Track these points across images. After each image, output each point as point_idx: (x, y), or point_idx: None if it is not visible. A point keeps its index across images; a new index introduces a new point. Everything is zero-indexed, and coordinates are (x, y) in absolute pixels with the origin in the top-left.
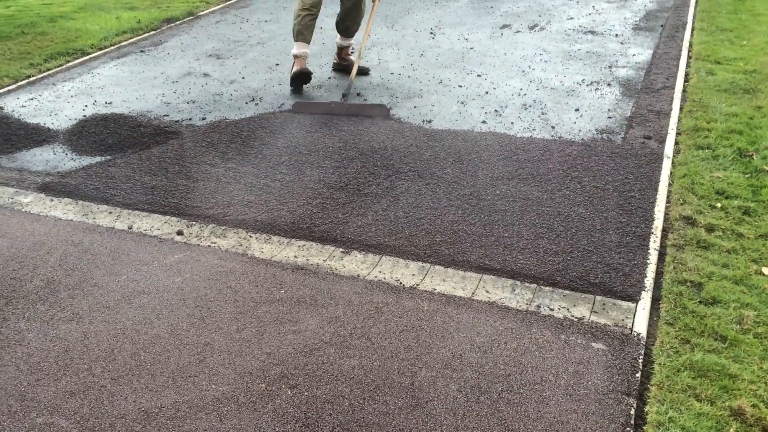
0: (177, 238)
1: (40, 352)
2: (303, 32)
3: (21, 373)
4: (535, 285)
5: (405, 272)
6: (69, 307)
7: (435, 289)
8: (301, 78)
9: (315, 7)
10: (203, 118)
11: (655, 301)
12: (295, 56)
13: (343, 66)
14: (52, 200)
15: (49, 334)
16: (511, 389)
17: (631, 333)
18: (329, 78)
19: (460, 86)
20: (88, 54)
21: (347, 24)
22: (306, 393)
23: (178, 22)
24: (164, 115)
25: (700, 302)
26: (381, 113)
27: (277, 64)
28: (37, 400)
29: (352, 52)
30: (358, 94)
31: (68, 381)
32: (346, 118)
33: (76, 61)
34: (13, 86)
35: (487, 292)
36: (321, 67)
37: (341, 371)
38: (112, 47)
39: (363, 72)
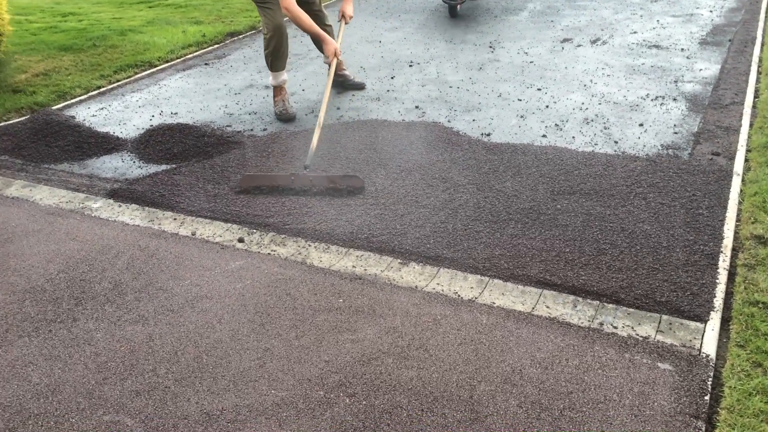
0: (238, 245)
1: (107, 351)
2: (274, 61)
3: (89, 371)
4: (598, 302)
5: (463, 285)
6: (135, 309)
7: (494, 303)
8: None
9: (277, 31)
10: (264, 129)
11: (725, 322)
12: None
13: (337, 82)
14: (120, 206)
15: (116, 334)
16: (573, 407)
17: (699, 354)
18: (388, 91)
19: (520, 100)
20: (156, 66)
21: (320, 46)
22: (364, 402)
23: (240, 36)
24: (227, 126)
25: None
26: (353, 185)
27: None
28: (104, 398)
29: (345, 69)
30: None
31: (134, 381)
32: (404, 129)
33: (144, 73)
34: (85, 96)
35: (547, 307)
36: (380, 81)
37: (399, 382)
38: (178, 60)
39: (358, 87)
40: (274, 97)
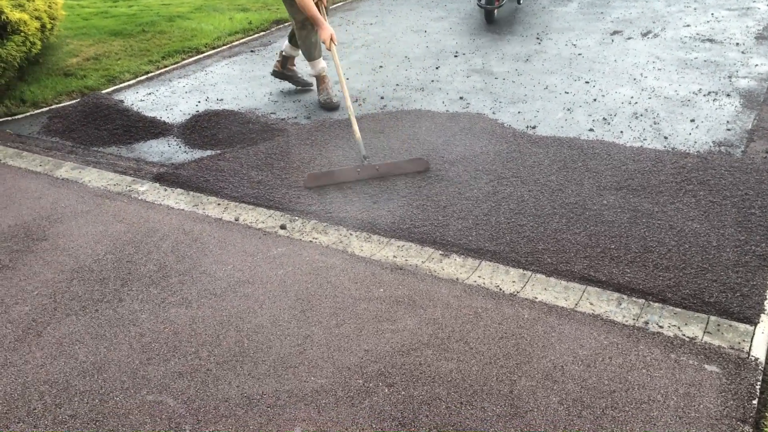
0: (280, 232)
1: (151, 333)
2: (310, 50)
3: (134, 351)
4: (644, 300)
5: (505, 278)
6: (179, 292)
7: (536, 298)
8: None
9: (308, 20)
10: (308, 117)
11: None
12: (315, 76)
13: (286, 76)
14: (165, 190)
15: (160, 316)
16: (615, 406)
17: (748, 357)
18: (432, 81)
19: (567, 93)
20: (202, 53)
21: (296, 40)
22: (403, 392)
23: (286, 24)
24: (271, 113)
25: None
26: (419, 167)
27: (380, 66)
28: (147, 378)
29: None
30: (363, 157)
31: (176, 362)
32: (447, 119)
33: (191, 59)
34: (133, 81)
35: (591, 304)
36: (425, 71)
37: (438, 373)
38: (225, 46)
39: (330, 107)
40: (318, 85)
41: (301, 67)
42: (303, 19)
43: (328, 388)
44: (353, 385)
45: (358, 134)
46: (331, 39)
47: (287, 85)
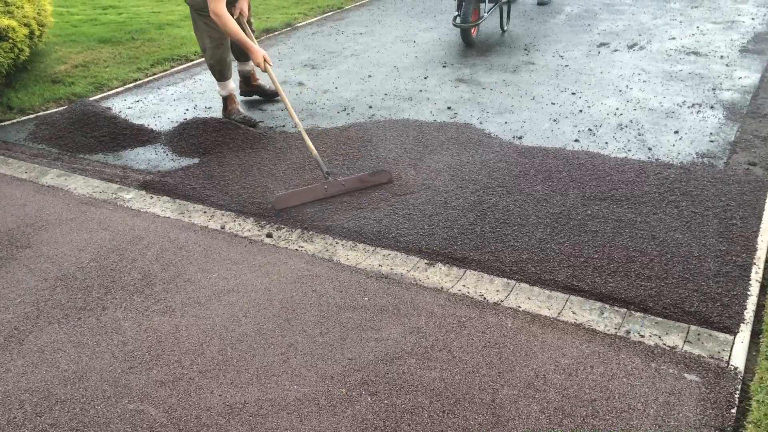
0: (266, 240)
1: (134, 341)
2: (224, 70)
3: (116, 360)
4: (625, 310)
5: (489, 287)
6: (163, 300)
7: (519, 307)
8: (249, 124)
9: (226, 39)
10: (295, 126)
11: (755, 335)
12: (225, 97)
13: (253, 91)
14: (152, 197)
15: (143, 324)
16: (596, 415)
17: (727, 366)
18: (420, 90)
19: (553, 104)
20: (191, 60)
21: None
22: (386, 401)
23: (276, 33)
24: (259, 122)
25: None
26: (383, 179)
27: (369, 76)
28: (129, 387)
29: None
30: (322, 171)
31: (159, 371)
32: (435, 129)
33: (180, 67)
34: (121, 89)
35: (573, 313)
36: (413, 80)
37: (422, 382)
38: None
39: (250, 123)
40: (228, 107)
41: (387, 67)
42: (219, 37)
43: (311, 397)
44: (336, 394)
45: (314, 151)
46: (265, 60)
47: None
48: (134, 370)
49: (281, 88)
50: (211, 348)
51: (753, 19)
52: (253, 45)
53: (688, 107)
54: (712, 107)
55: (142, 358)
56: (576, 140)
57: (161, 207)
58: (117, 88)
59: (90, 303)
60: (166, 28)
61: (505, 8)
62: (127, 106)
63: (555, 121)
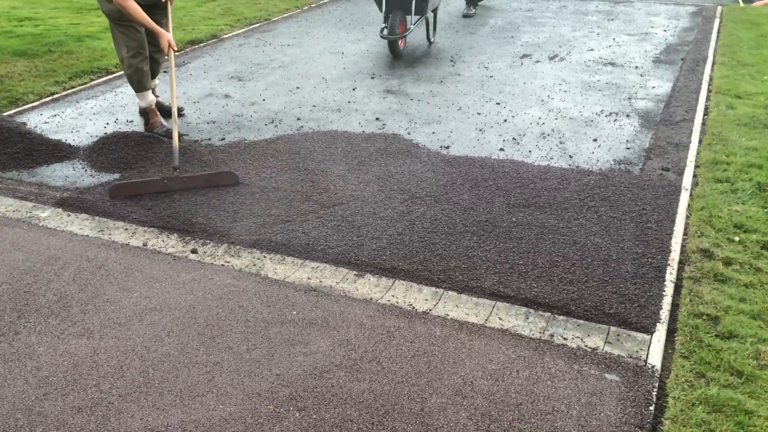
0: (191, 257)
1: (49, 366)
2: (142, 80)
3: (29, 386)
4: (549, 314)
5: (418, 297)
6: (80, 322)
7: (448, 315)
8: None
9: (143, 49)
10: (222, 139)
11: (671, 333)
12: (146, 109)
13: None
14: (69, 215)
15: (59, 348)
16: (522, 418)
17: (645, 365)
18: (349, 102)
19: (479, 114)
20: (112, 73)
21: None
22: (314, 416)
23: (201, 45)
24: (184, 135)
25: (716, 336)
26: (229, 181)
27: (297, 87)
28: (44, 414)
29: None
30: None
31: (76, 396)
32: (363, 140)
33: (100, 80)
34: (37, 103)
35: (500, 319)
36: (342, 92)
37: (351, 395)
38: None
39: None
40: (150, 120)
41: (315, 78)
42: (137, 47)
43: (237, 416)
44: (263, 412)
45: (176, 143)
46: (169, 45)
47: (201, 107)
48: (49, 397)
49: (173, 72)
50: (132, 370)
51: (665, 30)
52: (160, 29)
53: (606, 116)
54: (628, 116)
55: (57, 383)
56: (501, 149)
57: (79, 225)
58: (33, 102)
59: (1, 328)
60: (85, 40)
61: (431, 20)
62: (43, 121)
63: (481, 130)
